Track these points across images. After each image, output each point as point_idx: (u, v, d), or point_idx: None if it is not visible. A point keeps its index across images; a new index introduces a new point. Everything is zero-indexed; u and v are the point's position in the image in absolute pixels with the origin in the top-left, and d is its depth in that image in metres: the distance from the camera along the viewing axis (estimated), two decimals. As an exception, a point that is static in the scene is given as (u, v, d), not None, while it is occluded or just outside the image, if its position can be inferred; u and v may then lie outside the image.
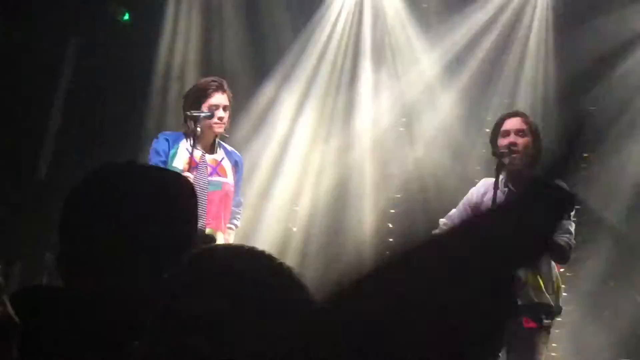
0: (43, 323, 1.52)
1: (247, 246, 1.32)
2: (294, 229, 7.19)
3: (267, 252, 1.30)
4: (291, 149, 7.31)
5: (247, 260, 1.28)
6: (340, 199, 7.23)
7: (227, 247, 1.33)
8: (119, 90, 6.96)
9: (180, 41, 7.33)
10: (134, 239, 1.63)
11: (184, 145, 5.03)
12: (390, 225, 7.18)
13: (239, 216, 5.26)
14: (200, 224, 4.94)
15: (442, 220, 5.14)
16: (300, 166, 7.29)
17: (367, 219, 7.16)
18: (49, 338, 1.52)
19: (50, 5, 6.64)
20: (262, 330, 1.17)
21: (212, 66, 7.10)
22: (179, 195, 1.73)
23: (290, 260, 5.84)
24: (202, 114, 4.92)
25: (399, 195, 7.19)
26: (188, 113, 4.98)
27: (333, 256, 6.75)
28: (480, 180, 5.19)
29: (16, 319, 1.29)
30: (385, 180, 7.21)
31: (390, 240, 7.15)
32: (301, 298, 1.23)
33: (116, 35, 7.07)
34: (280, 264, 1.27)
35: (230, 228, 5.15)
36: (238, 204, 5.25)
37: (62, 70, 6.97)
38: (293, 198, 7.25)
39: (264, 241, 6.74)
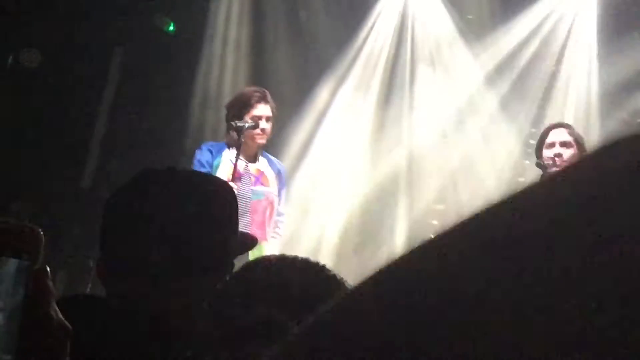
0: (82, 334, 1.52)
1: (301, 257, 1.31)
2: (333, 238, 7.18)
3: (321, 264, 1.29)
4: (336, 157, 7.31)
5: (301, 270, 1.28)
6: (378, 209, 7.22)
7: (281, 258, 1.32)
8: (163, 101, 7.03)
9: (224, 53, 7.38)
10: (175, 246, 1.61)
11: (227, 155, 5.05)
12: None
13: (282, 225, 5.26)
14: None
15: None
16: (344, 173, 7.28)
17: (402, 229, 7.14)
18: (88, 349, 1.51)
19: (97, 14, 6.73)
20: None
21: (257, 77, 7.14)
22: (220, 201, 1.72)
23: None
24: (247, 125, 4.93)
25: (441, 207, 7.16)
26: (232, 123, 4.98)
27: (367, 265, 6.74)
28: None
29: (69, 326, 1.30)
30: (424, 190, 7.18)
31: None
32: None
33: (161, 45, 7.14)
34: (335, 276, 1.27)
35: (274, 237, 5.16)
36: (280, 214, 5.26)
37: (107, 79, 7.06)
38: (333, 203, 7.24)
39: (304, 248, 6.77)
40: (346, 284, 1.26)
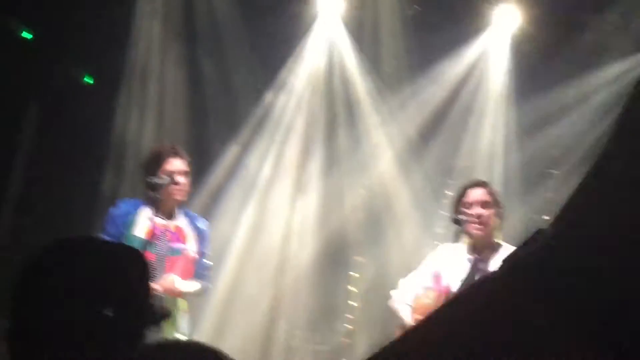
0: None
1: (197, 342, 1.31)
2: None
3: (217, 349, 1.29)
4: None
5: (196, 356, 1.28)
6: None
7: (178, 343, 1.33)
8: (79, 154, 6.92)
9: (136, 108, 7.31)
10: (87, 320, 1.61)
11: (144, 212, 5.00)
12: (353, 289, 7.18)
13: (209, 279, 5.24)
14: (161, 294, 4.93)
15: (402, 281, 5.16)
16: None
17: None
18: None
19: (11, 68, 6.62)
20: None
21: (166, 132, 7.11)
22: (135, 276, 1.73)
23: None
24: (163, 182, 4.88)
25: (360, 259, 7.20)
26: (148, 180, 4.94)
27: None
28: (440, 244, 5.23)
29: None
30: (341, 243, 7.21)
31: (353, 304, 7.14)
32: None
33: (77, 98, 7.05)
34: None
35: (196, 286, 5.12)
36: (208, 268, 5.23)
37: (23, 133, 6.92)
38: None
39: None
40: None
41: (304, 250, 7.19)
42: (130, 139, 7.17)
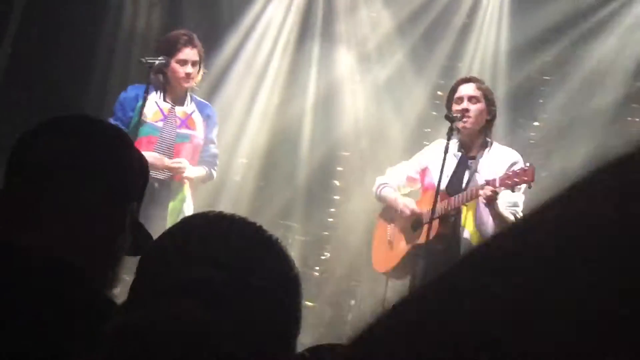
0: None
1: (239, 215, 1.29)
2: (237, 179, 7.15)
3: (257, 224, 1.28)
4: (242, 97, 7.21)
5: (238, 230, 1.26)
6: (279, 155, 7.20)
7: (219, 215, 1.28)
8: (87, 38, 6.81)
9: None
10: (82, 193, 1.58)
11: (153, 97, 4.98)
12: (337, 183, 7.22)
13: (215, 166, 5.24)
14: (167, 175, 4.96)
15: (389, 169, 5.21)
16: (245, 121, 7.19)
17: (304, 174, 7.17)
18: None
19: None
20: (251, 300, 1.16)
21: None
22: (120, 147, 1.69)
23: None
24: (157, 61, 4.84)
25: (346, 153, 7.20)
26: (142, 60, 4.91)
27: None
28: (431, 142, 5.25)
29: None
30: (330, 137, 7.19)
31: (336, 197, 7.19)
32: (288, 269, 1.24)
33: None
34: (271, 237, 1.26)
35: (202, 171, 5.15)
36: (214, 155, 5.24)
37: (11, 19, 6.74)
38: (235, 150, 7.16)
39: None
40: (282, 245, 1.26)
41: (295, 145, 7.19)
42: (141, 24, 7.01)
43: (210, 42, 6.56)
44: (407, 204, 4.96)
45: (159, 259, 1.24)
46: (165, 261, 1.21)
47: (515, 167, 4.64)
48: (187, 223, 1.32)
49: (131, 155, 1.71)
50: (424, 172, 5.02)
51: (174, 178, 4.98)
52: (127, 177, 1.66)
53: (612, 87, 6.63)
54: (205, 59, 5.24)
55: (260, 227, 1.26)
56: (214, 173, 5.23)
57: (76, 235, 1.56)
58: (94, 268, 1.54)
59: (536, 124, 6.75)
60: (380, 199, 5.17)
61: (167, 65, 4.90)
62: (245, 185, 7.16)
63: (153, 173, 4.60)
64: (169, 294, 1.13)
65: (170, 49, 4.93)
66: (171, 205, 4.94)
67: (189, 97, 5.12)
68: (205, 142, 5.16)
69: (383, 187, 5.13)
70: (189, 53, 4.95)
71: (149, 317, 1.10)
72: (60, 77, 6.68)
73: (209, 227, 1.25)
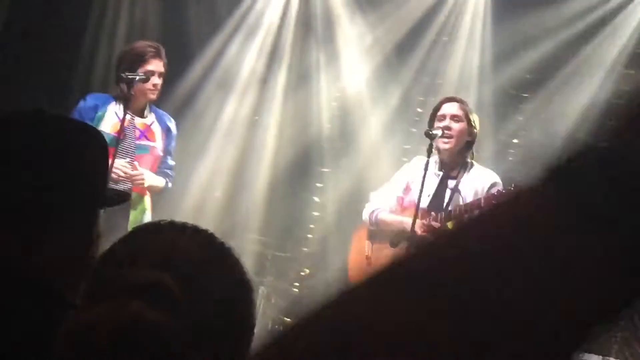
0: None
1: (191, 224, 1.30)
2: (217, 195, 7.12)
3: (209, 231, 1.29)
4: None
5: (189, 236, 1.27)
6: (254, 170, 7.18)
7: (171, 223, 1.30)
8: (51, 50, 6.76)
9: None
10: (35, 195, 1.56)
11: (113, 108, 4.98)
12: (317, 199, 7.19)
13: (171, 178, 5.24)
14: (127, 187, 4.92)
15: (372, 194, 5.18)
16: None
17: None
18: None
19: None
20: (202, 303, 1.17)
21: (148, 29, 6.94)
22: (88, 149, 1.67)
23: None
24: (138, 77, 4.85)
25: (326, 170, 7.18)
26: (122, 75, 4.88)
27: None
28: (411, 158, 5.24)
29: None
30: (308, 154, 7.16)
31: (316, 214, 7.16)
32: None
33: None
34: (222, 244, 1.28)
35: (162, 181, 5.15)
36: (171, 167, 5.24)
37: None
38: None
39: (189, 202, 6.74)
40: (233, 252, 1.28)
41: (270, 161, 7.16)
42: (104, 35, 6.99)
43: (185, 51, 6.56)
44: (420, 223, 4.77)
45: (110, 264, 1.24)
46: (116, 266, 1.22)
47: (494, 189, 4.66)
48: (139, 230, 1.35)
49: (95, 152, 1.69)
50: (407, 190, 5.00)
51: (134, 189, 4.95)
52: (93, 176, 1.65)
53: (592, 102, 6.60)
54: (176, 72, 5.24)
55: (211, 234, 1.29)
56: (170, 184, 5.23)
57: (42, 241, 1.53)
58: (55, 271, 1.54)
59: (515, 141, 6.74)
60: (379, 224, 5.04)
61: (146, 81, 4.89)
62: (222, 200, 7.13)
63: (113, 184, 4.64)
64: (118, 296, 1.14)
65: (136, 60, 4.92)
66: (132, 215, 4.93)
67: (148, 108, 5.12)
68: (164, 153, 5.16)
69: (378, 212, 5.04)
70: (156, 64, 4.95)
71: (98, 317, 1.11)
72: (41, 77, 6.65)
73: (160, 233, 1.27)
